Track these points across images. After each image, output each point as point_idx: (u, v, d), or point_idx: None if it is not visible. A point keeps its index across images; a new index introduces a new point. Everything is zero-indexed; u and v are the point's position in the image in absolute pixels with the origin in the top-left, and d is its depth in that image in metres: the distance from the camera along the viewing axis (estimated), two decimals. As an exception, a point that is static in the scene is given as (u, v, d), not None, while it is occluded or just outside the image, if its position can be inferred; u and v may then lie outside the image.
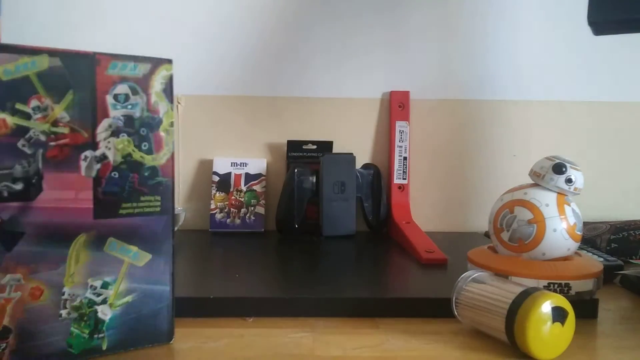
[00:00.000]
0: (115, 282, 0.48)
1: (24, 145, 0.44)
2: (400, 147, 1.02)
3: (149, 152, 0.49)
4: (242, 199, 0.98)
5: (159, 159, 0.50)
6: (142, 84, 0.48)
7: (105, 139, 0.47)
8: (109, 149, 0.47)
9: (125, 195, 0.48)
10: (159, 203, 0.50)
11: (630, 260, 0.81)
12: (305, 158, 1.00)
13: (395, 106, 1.02)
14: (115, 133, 0.48)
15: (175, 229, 0.74)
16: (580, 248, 0.69)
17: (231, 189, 0.98)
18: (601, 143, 1.05)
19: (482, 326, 0.53)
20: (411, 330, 0.56)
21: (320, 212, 0.94)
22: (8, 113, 0.43)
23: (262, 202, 0.98)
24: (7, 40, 0.43)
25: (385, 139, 1.04)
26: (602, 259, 0.75)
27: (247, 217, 0.97)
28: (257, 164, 1.00)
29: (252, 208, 0.98)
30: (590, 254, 0.78)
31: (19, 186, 0.44)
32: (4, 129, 0.43)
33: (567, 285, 0.57)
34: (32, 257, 0.44)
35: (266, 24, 1.01)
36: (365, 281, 0.68)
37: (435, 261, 0.77)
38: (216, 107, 1.02)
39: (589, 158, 1.04)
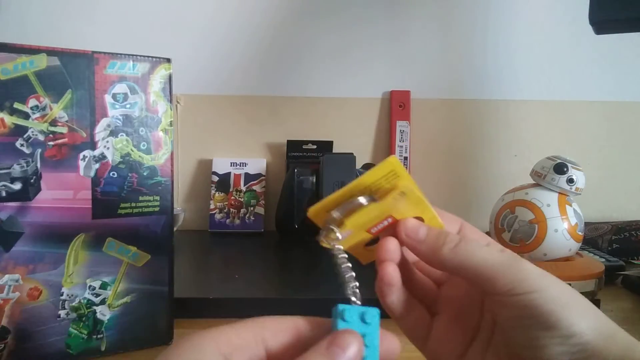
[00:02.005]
0: (114, 282, 0.48)
1: (22, 145, 0.44)
2: (401, 147, 1.01)
3: (148, 151, 0.49)
4: (242, 199, 0.97)
5: (158, 158, 0.50)
6: (140, 84, 0.48)
7: (103, 139, 0.47)
8: (108, 148, 0.47)
9: (124, 195, 0.48)
10: (157, 203, 0.50)
11: (632, 261, 0.81)
12: (305, 158, 1.00)
13: (396, 106, 1.02)
14: (113, 132, 0.47)
15: (175, 229, 0.74)
16: (581, 248, 0.68)
17: (231, 189, 0.98)
18: (603, 143, 1.05)
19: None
20: (412, 331, 0.55)
21: (320, 212, 0.94)
22: (6, 112, 0.43)
23: (262, 202, 0.98)
24: (5, 39, 0.43)
25: (386, 138, 1.03)
26: (603, 260, 0.75)
27: (246, 218, 0.97)
28: (257, 164, 1.00)
29: (252, 208, 0.97)
30: (592, 254, 0.78)
31: (17, 186, 0.44)
32: (2, 128, 0.43)
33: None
34: (30, 257, 0.44)
35: (266, 23, 1.01)
36: (366, 281, 0.67)
37: (435, 261, 0.76)
38: (216, 106, 1.02)
39: (591, 158, 1.04)
